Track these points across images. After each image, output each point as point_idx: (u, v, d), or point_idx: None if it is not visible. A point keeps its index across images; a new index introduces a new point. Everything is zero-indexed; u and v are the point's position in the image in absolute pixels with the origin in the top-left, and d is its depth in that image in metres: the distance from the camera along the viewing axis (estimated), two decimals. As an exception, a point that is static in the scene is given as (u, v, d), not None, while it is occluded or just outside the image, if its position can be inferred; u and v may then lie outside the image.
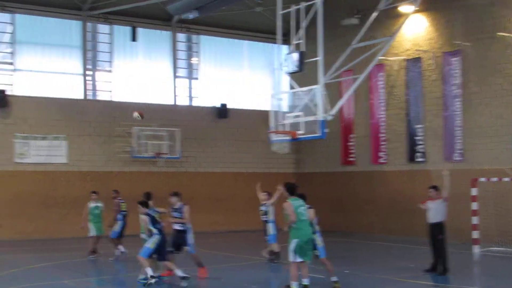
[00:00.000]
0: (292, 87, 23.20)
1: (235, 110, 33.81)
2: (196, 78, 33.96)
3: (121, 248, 21.54)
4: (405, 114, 29.04)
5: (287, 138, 20.97)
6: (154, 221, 16.23)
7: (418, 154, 28.38)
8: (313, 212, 15.27)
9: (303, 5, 21.00)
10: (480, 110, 25.97)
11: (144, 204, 16.70)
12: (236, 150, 33.81)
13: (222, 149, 33.54)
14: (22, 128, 29.03)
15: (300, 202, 14.22)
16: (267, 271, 19.40)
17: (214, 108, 33.53)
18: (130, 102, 31.24)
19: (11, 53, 29.62)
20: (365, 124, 30.94)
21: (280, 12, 21.48)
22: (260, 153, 33.26)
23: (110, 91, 31.75)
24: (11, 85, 29.44)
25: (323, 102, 19.92)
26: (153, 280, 15.59)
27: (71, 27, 30.90)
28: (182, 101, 33.43)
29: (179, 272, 15.99)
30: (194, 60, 34.07)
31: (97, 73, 31.64)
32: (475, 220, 23.05)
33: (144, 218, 16.41)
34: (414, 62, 28.60)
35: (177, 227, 16.98)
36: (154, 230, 16.08)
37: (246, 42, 35.37)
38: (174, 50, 33.31)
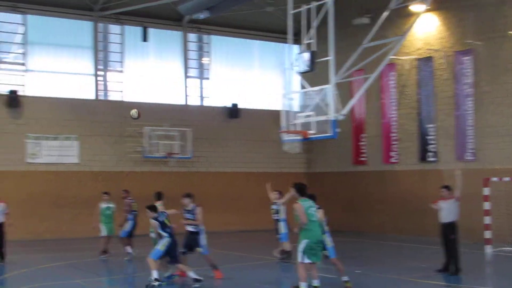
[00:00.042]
0: (303, 87, 23.17)
1: (246, 110, 33.82)
2: (207, 78, 33.98)
3: (128, 249, 21.55)
4: (417, 113, 28.96)
5: (299, 137, 20.94)
6: (163, 226, 16.13)
7: (430, 154, 28.30)
8: (322, 212, 15.20)
9: (314, 4, 20.97)
10: (491, 109, 25.87)
11: (152, 208, 16.51)
12: (247, 150, 33.81)
13: (234, 149, 33.55)
14: (34, 128, 29.13)
15: (310, 203, 14.14)
16: (278, 270, 19.40)
17: (225, 108, 33.56)
18: (142, 102, 31.29)
19: (23, 53, 29.74)
20: (377, 123, 30.88)
21: (291, 11, 21.46)
22: (271, 153, 33.24)
23: (121, 91, 31.81)
24: (23, 85, 29.56)
25: (335, 101, 19.90)
26: (156, 283, 15.51)
27: (83, 28, 30.98)
28: (193, 101, 33.46)
29: (192, 274, 15.97)
30: (205, 60, 34.09)
31: (108, 74, 31.71)
32: (487, 220, 22.97)
33: (153, 223, 16.33)
34: (426, 61, 28.52)
35: (189, 228, 16.92)
36: (164, 234, 16.05)
37: (257, 42, 35.38)
38: (185, 50, 33.35)
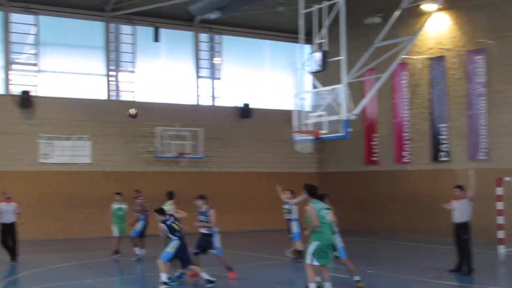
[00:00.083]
0: (315, 87, 23.14)
1: (257, 110, 33.81)
2: (219, 78, 33.99)
3: (137, 250, 21.56)
4: (429, 113, 28.86)
5: (310, 137, 20.91)
6: (171, 229, 16.04)
7: (442, 154, 28.21)
8: (332, 213, 15.10)
9: (325, 4, 20.94)
10: (504, 108, 25.76)
11: (160, 211, 16.40)
12: (259, 150, 33.80)
13: (245, 149, 33.55)
14: (46, 128, 29.24)
15: (321, 204, 13.99)
16: (291, 270, 19.36)
17: (236, 108, 33.56)
18: (153, 102, 31.40)
19: (35, 54, 29.85)
20: (388, 123, 30.80)
21: (302, 11, 21.46)
22: (283, 153, 33.22)
23: (133, 92, 31.87)
24: (35, 86, 29.69)
25: (346, 101, 19.87)
26: (163, 287, 15.51)
27: (94, 28, 31.08)
28: (205, 101, 33.49)
29: (205, 275, 15.95)
30: (216, 60, 34.11)
31: (120, 74, 31.77)
32: (500, 219, 22.81)
33: (161, 226, 16.19)
34: (438, 60, 28.42)
35: (203, 230, 16.85)
36: (173, 237, 15.96)
37: (268, 41, 35.37)
38: (197, 50, 33.38)
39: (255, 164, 33.65)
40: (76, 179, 29.60)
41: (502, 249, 22.44)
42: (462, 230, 17.47)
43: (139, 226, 21.76)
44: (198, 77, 33.33)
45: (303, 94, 22.94)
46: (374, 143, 31.65)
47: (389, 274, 17.76)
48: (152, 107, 31.13)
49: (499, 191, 22.79)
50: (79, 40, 30.91)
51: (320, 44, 20.90)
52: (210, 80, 33.84)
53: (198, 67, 33.35)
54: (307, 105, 22.47)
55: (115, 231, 21.97)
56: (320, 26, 21.03)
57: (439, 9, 26.73)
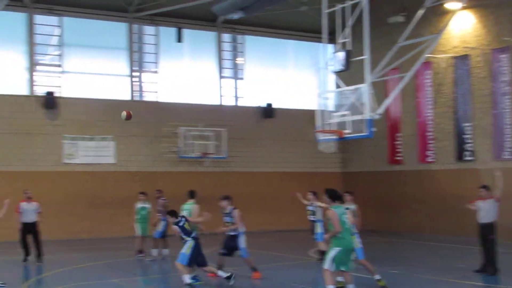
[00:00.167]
0: (338, 86, 23.03)
1: (281, 109, 33.79)
2: (242, 78, 34.01)
3: (154, 252, 21.59)
4: (453, 112, 28.68)
5: (334, 137, 20.88)
6: (184, 231, 15.91)
7: (467, 153, 28.02)
8: (351, 214, 14.89)
9: (348, 3, 20.87)
10: (530, 107, 25.57)
11: (173, 213, 16.26)
12: (282, 150, 33.77)
13: (268, 148, 33.53)
14: (70, 129, 29.42)
15: (342, 209, 13.72)
16: (315, 271, 19.28)
17: (259, 108, 33.56)
18: (176, 102, 31.50)
19: (59, 55, 30.05)
20: (412, 122, 30.65)
21: (325, 10, 21.41)
22: (306, 153, 33.16)
23: (156, 92, 31.98)
24: (60, 87, 29.87)
25: (370, 100, 19.79)
26: None
27: (118, 29, 31.24)
28: (228, 101, 33.52)
29: (222, 273, 15.95)
30: (239, 60, 34.12)
31: (143, 74, 31.90)
32: (526, 219, 22.65)
33: (174, 228, 16.08)
34: (462, 59, 28.23)
35: (229, 232, 16.82)
36: (187, 239, 15.83)
37: (291, 41, 35.34)
38: (220, 50, 33.42)
39: (278, 164, 33.63)
40: (100, 179, 29.76)
41: (528, 249, 22.26)
42: (487, 231, 17.32)
43: (161, 226, 21.76)
44: (221, 77, 33.38)
45: (326, 94, 22.88)
46: (398, 142, 31.51)
47: (413, 274, 17.65)
48: (175, 107, 31.24)
49: (525, 190, 22.57)
50: (102, 41, 31.10)
51: (344, 44, 20.83)
52: (233, 80, 33.87)
53: (221, 67, 33.40)
54: (331, 104, 22.41)
55: (138, 230, 22.03)
56: (344, 26, 20.96)
57: (463, 8, 26.56)
